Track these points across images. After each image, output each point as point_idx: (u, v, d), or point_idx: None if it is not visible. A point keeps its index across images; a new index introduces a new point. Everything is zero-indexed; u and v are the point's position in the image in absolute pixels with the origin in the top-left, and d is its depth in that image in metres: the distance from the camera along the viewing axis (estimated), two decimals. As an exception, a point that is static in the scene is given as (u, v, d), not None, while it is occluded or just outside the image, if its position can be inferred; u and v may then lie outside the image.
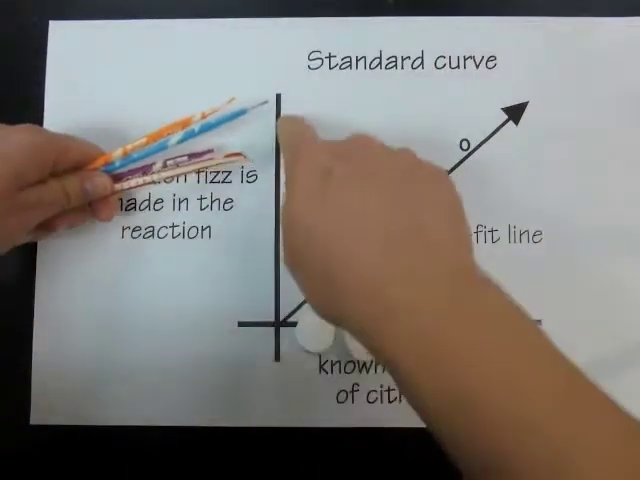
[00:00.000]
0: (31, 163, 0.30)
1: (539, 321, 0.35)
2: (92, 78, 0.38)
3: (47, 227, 0.34)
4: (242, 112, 0.35)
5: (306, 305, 0.36)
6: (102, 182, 0.34)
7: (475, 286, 0.23)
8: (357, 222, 0.24)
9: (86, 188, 0.33)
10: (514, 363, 0.21)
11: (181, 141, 0.35)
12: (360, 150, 0.27)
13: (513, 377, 0.21)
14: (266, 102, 0.36)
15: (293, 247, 0.26)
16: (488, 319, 0.22)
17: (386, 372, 0.35)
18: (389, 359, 0.23)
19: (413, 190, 0.25)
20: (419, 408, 0.23)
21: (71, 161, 0.33)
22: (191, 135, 0.35)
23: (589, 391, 0.21)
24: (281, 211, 0.27)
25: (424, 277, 0.23)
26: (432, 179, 0.27)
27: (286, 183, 0.28)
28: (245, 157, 0.36)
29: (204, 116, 0.35)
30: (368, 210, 0.24)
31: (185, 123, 0.35)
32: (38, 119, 0.37)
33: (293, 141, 0.31)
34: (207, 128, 0.35)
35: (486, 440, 0.20)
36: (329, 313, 0.25)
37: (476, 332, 0.22)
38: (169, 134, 0.35)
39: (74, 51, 0.38)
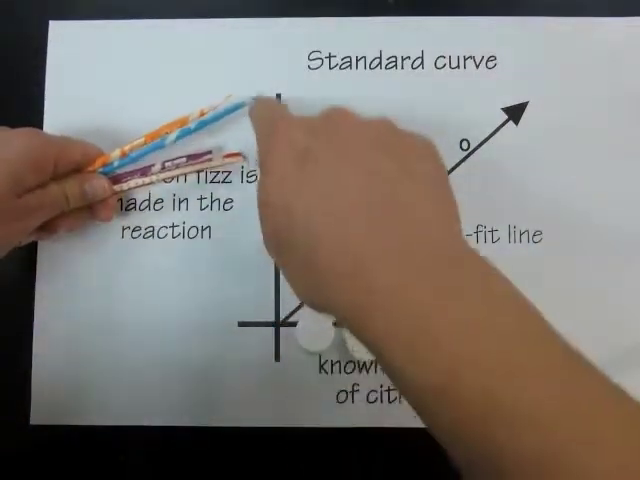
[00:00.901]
0: (30, 168, 0.31)
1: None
2: (92, 78, 0.38)
3: (48, 229, 0.34)
4: (239, 106, 0.35)
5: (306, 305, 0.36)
6: (101, 184, 0.34)
7: (460, 266, 0.22)
8: (336, 201, 0.23)
9: (85, 191, 0.33)
10: (504, 345, 0.19)
11: (178, 138, 0.35)
12: (336, 125, 0.26)
13: (502, 361, 0.19)
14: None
15: (273, 230, 0.25)
16: (474, 300, 0.20)
17: (386, 372, 0.35)
18: (372, 342, 0.21)
19: (393, 162, 0.24)
20: (404, 392, 0.22)
21: (70, 163, 0.33)
22: (187, 132, 0.35)
23: (589, 376, 0.19)
24: (257, 194, 0.26)
25: (406, 257, 0.21)
26: (412, 149, 0.25)
27: (260, 164, 0.27)
28: (244, 157, 0.36)
29: (202, 114, 0.35)
30: (347, 187, 0.23)
31: (182, 122, 0.35)
32: (38, 119, 0.37)
33: (266, 119, 0.29)
34: (204, 124, 0.35)
35: (475, 431, 0.19)
36: (313, 299, 0.24)
37: (461, 314, 0.20)
38: (166, 133, 0.35)
39: (74, 51, 0.38)
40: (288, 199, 0.24)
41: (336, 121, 0.26)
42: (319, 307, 0.24)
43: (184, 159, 0.35)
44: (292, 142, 0.25)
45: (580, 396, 0.19)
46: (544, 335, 0.20)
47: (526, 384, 0.19)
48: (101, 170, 0.35)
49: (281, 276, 0.36)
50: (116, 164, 0.35)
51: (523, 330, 0.20)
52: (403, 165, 0.24)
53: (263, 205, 0.25)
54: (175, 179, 0.37)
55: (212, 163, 0.36)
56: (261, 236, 0.36)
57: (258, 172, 0.26)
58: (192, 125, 0.35)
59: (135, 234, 0.37)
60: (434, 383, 0.20)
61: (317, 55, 0.38)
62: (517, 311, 0.21)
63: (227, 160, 0.36)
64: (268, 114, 0.30)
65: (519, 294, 0.21)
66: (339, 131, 0.25)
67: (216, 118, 0.35)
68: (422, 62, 0.38)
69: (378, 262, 0.21)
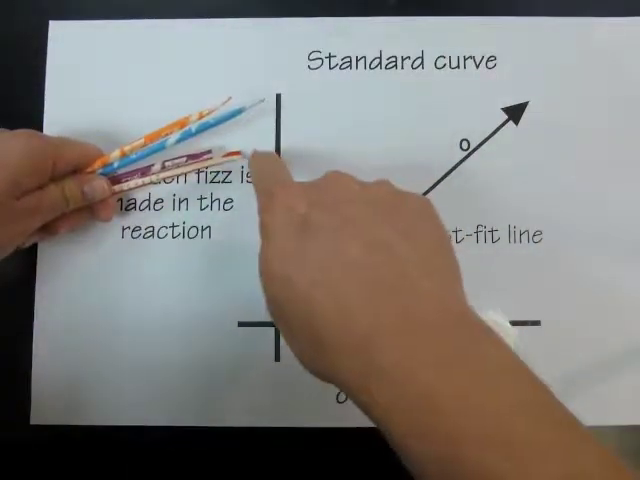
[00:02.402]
0: (29, 170, 0.30)
1: (538, 322, 0.35)
2: (92, 78, 0.38)
3: (48, 230, 0.34)
4: (240, 111, 0.35)
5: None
6: (101, 185, 0.34)
7: (468, 337, 0.21)
8: (337, 272, 0.23)
9: (85, 192, 0.33)
10: (505, 419, 0.19)
11: (179, 141, 0.35)
12: (334, 193, 0.26)
13: (502, 436, 0.19)
14: (263, 100, 0.36)
15: (274, 300, 0.24)
16: (484, 377, 0.20)
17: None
18: (376, 415, 0.21)
19: (395, 230, 0.24)
20: (408, 462, 0.21)
21: (70, 164, 0.33)
22: (189, 135, 0.35)
23: (589, 450, 0.19)
24: (258, 261, 0.25)
25: (409, 331, 0.21)
26: (414, 213, 0.25)
27: (261, 231, 0.26)
28: (244, 156, 0.36)
29: (201, 116, 0.35)
30: (348, 259, 0.23)
31: (182, 123, 0.35)
32: (38, 119, 0.37)
33: (266, 184, 0.29)
34: (205, 127, 0.35)
35: None
36: (317, 369, 0.24)
37: (470, 391, 0.20)
38: (167, 134, 0.35)
39: (74, 51, 0.38)
40: (288, 271, 0.23)
41: (334, 189, 0.26)
42: (322, 377, 0.24)
43: (184, 159, 0.35)
44: (291, 211, 0.25)
45: (580, 473, 0.19)
46: (546, 408, 0.20)
47: (527, 461, 0.19)
48: (101, 171, 0.35)
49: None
50: (116, 165, 0.35)
51: (525, 402, 0.20)
52: (404, 231, 0.24)
53: (264, 274, 0.25)
54: (175, 179, 0.37)
55: (212, 161, 0.36)
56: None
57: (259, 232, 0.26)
58: (193, 128, 0.35)
59: (135, 234, 0.37)
60: (437, 455, 0.20)
61: (317, 55, 0.38)
62: (519, 382, 0.21)
63: (227, 158, 0.36)
64: (267, 175, 0.29)
65: (530, 371, 0.21)
66: (337, 200, 0.25)
67: (217, 122, 0.35)
68: (422, 62, 0.38)
69: (382, 338, 0.21)
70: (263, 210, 0.27)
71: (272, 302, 0.25)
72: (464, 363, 0.20)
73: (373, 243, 0.23)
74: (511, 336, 0.34)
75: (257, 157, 0.33)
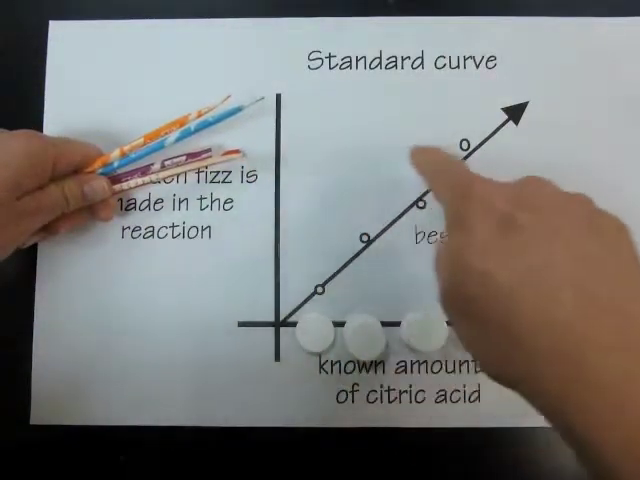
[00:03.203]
0: (29, 171, 0.30)
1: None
2: (92, 78, 0.38)
3: (49, 230, 0.34)
4: (238, 109, 0.35)
5: (306, 305, 0.36)
6: (101, 185, 0.34)
7: None
8: (545, 276, 0.22)
9: (85, 192, 0.33)
10: None
11: (178, 140, 0.35)
12: (539, 197, 0.25)
13: None
14: (262, 99, 0.36)
15: (464, 293, 0.24)
16: None
17: (386, 372, 0.35)
18: (586, 440, 0.20)
19: (598, 246, 0.23)
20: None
21: (70, 164, 0.33)
22: (187, 134, 0.35)
23: None
24: (446, 254, 0.25)
25: (627, 347, 0.20)
26: (613, 232, 0.24)
27: (452, 222, 0.26)
28: (244, 154, 0.36)
29: (200, 114, 0.35)
30: (557, 265, 0.22)
31: (181, 122, 0.35)
32: (38, 119, 0.37)
33: (457, 179, 0.28)
34: (204, 126, 0.35)
35: None
36: (502, 371, 0.23)
37: None
38: (166, 134, 0.35)
39: (74, 51, 0.38)
40: (488, 266, 0.23)
41: (538, 193, 0.25)
42: (507, 382, 0.23)
43: (184, 157, 0.35)
44: (492, 205, 0.25)
45: None
46: None
47: None
48: (101, 171, 0.35)
49: (281, 276, 0.36)
50: (116, 164, 0.35)
51: None
52: (608, 249, 0.23)
53: (457, 265, 0.24)
54: (175, 179, 0.37)
55: (212, 160, 0.36)
56: (261, 236, 0.37)
57: (447, 231, 0.26)
58: (192, 127, 0.35)
59: (135, 234, 0.37)
60: None
61: (317, 55, 0.38)
62: None
63: (227, 157, 0.36)
64: (458, 175, 0.28)
65: None
66: (544, 204, 0.25)
67: (216, 121, 0.35)
68: (422, 62, 0.38)
69: (597, 353, 0.20)
70: (459, 200, 0.26)
71: (461, 295, 0.24)
72: None
73: (584, 258, 0.23)
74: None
75: (422, 150, 0.31)
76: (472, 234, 0.24)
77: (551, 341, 0.21)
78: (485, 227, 0.24)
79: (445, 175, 0.28)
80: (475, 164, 0.37)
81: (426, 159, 0.31)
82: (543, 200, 0.25)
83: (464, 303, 0.24)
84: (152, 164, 0.35)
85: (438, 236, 0.36)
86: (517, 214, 0.24)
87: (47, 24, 0.38)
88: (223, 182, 0.37)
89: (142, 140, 0.35)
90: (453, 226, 0.25)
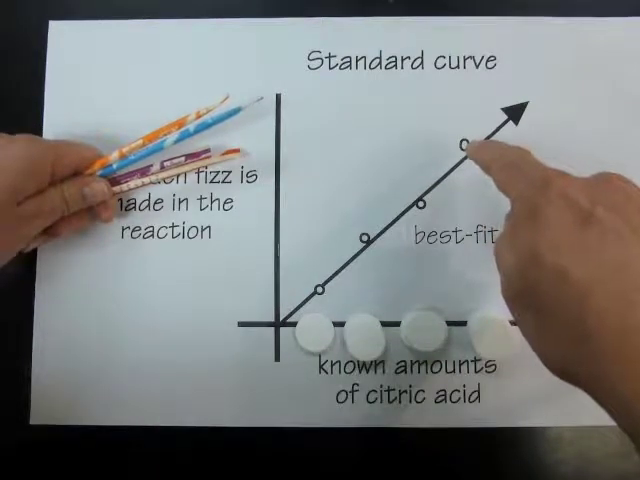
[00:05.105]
0: (28, 176, 0.30)
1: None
2: (92, 78, 0.38)
3: (50, 233, 0.34)
4: (238, 110, 0.35)
5: (306, 305, 0.36)
6: (100, 187, 0.34)
7: None
8: (620, 278, 0.22)
9: (85, 194, 0.33)
10: None
11: (177, 141, 0.35)
12: (620, 197, 0.25)
13: None
14: (261, 99, 0.36)
15: (535, 287, 0.23)
16: None
17: (386, 372, 0.35)
18: None
19: None
20: None
21: (69, 167, 0.33)
22: (187, 135, 0.35)
23: None
24: (513, 243, 0.25)
25: None
26: None
27: (524, 215, 0.25)
28: (243, 153, 0.36)
29: (199, 115, 0.35)
30: (633, 267, 0.22)
31: (180, 123, 0.35)
32: (38, 119, 0.37)
33: (534, 171, 0.27)
34: (203, 127, 0.35)
35: None
36: (568, 367, 0.23)
37: None
38: (165, 135, 0.35)
39: (74, 51, 0.38)
40: (564, 262, 0.23)
41: (618, 190, 0.25)
42: (575, 380, 0.23)
43: (183, 158, 0.35)
44: (571, 201, 0.24)
45: None
46: None
47: None
48: (100, 172, 0.35)
49: (281, 276, 0.36)
50: (115, 166, 0.35)
51: None
52: None
53: (529, 259, 0.24)
54: (175, 179, 0.37)
55: (211, 160, 0.36)
56: (261, 236, 0.37)
57: (516, 224, 0.26)
58: (191, 128, 0.35)
59: (135, 234, 0.37)
60: None
61: (317, 55, 0.38)
62: None
63: (226, 157, 0.36)
64: (533, 166, 0.28)
65: None
66: (622, 204, 0.24)
67: (216, 122, 0.35)
68: (422, 62, 0.38)
69: None
70: (535, 192, 0.25)
71: (529, 289, 0.24)
72: None
73: None
74: (514, 338, 0.34)
75: (485, 144, 0.31)
76: (547, 227, 0.24)
77: (621, 343, 0.21)
78: (562, 221, 0.24)
79: (518, 168, 0.28)
80: (475, 164, 0.37)
81: (492, 153, 0.30)
82: (622, 197, 0.24)
83: (533, 297, 0.23)
84: (151, 165, 0.35)
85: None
86: (595, 210, 0.23)
87: (47, 24, 0.38)
88: (223, 182, 0.37)
89: (141, 141, 0.35)
90: (525, 219, 0.25)
